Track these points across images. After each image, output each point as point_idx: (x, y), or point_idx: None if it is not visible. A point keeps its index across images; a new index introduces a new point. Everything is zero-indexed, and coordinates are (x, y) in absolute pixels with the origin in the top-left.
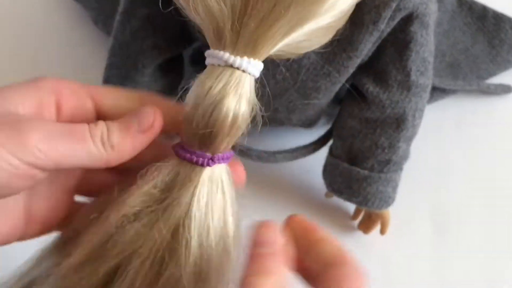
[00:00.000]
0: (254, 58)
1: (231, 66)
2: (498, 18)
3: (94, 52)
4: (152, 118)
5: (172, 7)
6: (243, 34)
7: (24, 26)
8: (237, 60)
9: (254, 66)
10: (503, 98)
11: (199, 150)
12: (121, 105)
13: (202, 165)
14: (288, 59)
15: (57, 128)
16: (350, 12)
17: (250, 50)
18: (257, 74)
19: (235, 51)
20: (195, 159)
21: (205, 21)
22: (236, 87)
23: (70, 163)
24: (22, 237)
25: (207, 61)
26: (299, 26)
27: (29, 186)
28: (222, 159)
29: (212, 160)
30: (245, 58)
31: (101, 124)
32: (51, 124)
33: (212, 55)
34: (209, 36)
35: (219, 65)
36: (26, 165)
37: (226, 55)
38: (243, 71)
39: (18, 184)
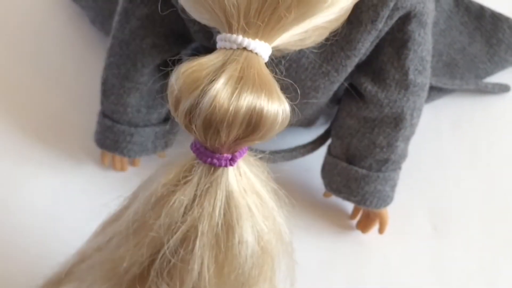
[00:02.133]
0: (265, 41)
1: (244, 48)
2: (495, 17)
3: (92, 52)
4: None
5: (171, 9)
6: (254, 21)
7: (21, 26)
8: (250, 42)
9: (265, 49)
10: (500, 97)
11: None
12: None
13: (226, 166)
14: (286, 59)
15: None
16: (348, 13)
17: (261, 34)
18: (267, 57)
19: (246, 34)
20: (215, 162)
21: (214, 9)
22: (246, 67)
23: None
24: None
25: (218, 46)
26: (306, 18)
27: None
28: (241, 155)
29: (232, 160)
30: (257, 40)
31: None
32: None
33: (225, 39)
34: (220, 23)
35: (231, 48)
36: None
37: (239, 38)
38: (256, 53)
39: None
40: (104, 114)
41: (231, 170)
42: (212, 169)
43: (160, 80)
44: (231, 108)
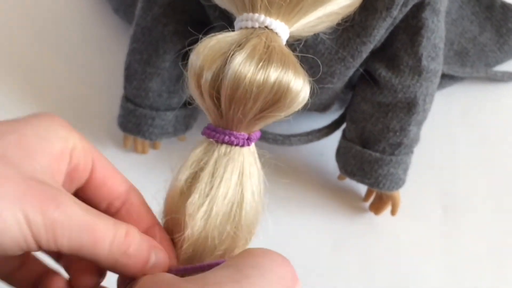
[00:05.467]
0: (285, 23)
1: (266, 27)
2: (505, 7)
3: (115, 40)
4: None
5: None
6: (277, 0)
7: (48, 15)
8: (272, 21)
9: (284, 30)
10: (509, 85)
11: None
12: (112, 183)
13: (242, 145)
14: (303, 44)
15: (84, 219)
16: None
17: (282, 15)
18: (285, 39)
19: (268, 13)
20: (233, 140)
21: None
22: (270, 42)
23: (79, 255)
24: None
25: (238, 26)
26: (323, 2)
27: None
28: (255, 138)
29: (249, 140)
30: (278, 20)
31: (132, 234)
32: (79, 211)
33: (247, 18)
34: (242, 3)
35: (252, 27)
36: (37, 245)
37: (262, 17)
38: (276, 33)
39: (14, 251)
40: (127, 99)
41: (246, 151)
42: (229, 149)
43: (180, 65)
44: (259, 77)
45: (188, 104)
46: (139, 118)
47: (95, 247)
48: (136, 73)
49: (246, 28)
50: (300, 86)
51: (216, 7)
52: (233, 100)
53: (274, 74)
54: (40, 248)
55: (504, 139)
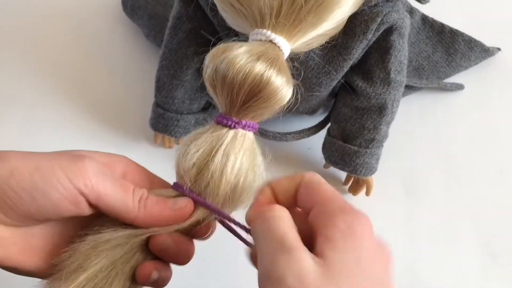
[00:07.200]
0: (287, 41)
1: (271, 41)
2: (453, 33)
3: (147, 59)
4: (185, 204)
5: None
6: (282, 21)
7: (94, 40)
8: (276, 37)
9: (286, 46)
10: (456, 94)
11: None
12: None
13: (230, 126)
14: (297, 60)
15: (110, 173)
16: (343, 24)
17: (285, 32)
18: (286, 53)
19: (274, 30)
20: (224, 121)
21: (252, 9)
22: (271, 56)
23: (107, 204)
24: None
25: (251, 38)
26: (318, 24)
27: (70, 214)
28: (247, 126)
29: (237, 124)
30: (281, 37)
31: (144, 190)
32: (107, 169)
33: (257, 33)
34: (254, 20)
35: (260, 40)
36: (75, 190)
37: (268, 32)
38: (278, 47)
39: (62, 207)
40: (157, 104)
41: (232, 133)
42: (220, 127)
43: (200, 78)
44: (245, 67)
45: (204, 109)
46: (167, 120)
47: (123, 195)
48: (164, 84)
49: (255, 40)
50: (280, 84)
51: (229, 34)
52: (224, 86)
53: (258, 67)
54: (86, 200)
55: (452, 135)
